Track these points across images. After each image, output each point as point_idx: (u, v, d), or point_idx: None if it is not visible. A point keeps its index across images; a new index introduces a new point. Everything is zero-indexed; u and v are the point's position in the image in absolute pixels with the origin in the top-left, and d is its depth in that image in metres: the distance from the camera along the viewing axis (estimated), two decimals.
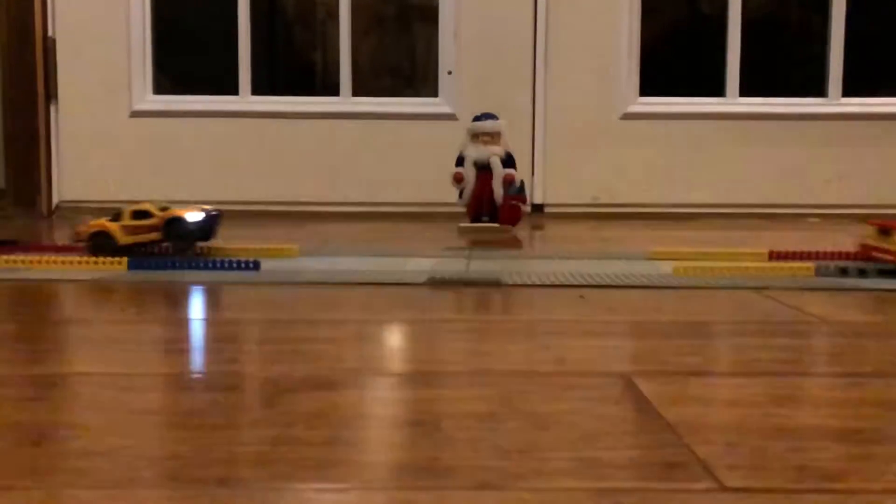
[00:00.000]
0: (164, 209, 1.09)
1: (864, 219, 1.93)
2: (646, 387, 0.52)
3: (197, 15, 2.23)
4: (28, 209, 1.98)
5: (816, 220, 1.93)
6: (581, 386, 0.53)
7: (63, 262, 1.04)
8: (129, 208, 1.10)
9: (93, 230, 1.08)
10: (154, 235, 1.08)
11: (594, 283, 0.94)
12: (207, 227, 1.09)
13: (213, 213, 1.10)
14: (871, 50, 2.14)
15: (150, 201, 1.11)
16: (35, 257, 1.05)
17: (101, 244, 1.07)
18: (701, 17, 2.33)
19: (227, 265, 1.01)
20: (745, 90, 2.07)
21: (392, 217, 1.88)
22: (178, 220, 1.07)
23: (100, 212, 1.97)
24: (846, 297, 0.88)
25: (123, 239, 1.07)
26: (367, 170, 2.02)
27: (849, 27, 2.04)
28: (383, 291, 0.91)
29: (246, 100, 2.07)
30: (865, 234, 1.07)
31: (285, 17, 2.41)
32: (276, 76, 2.36)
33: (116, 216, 1.09)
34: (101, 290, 0.92)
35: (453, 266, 1.05)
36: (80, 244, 1.10)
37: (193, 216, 1.07)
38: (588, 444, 0.42)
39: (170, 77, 2.10)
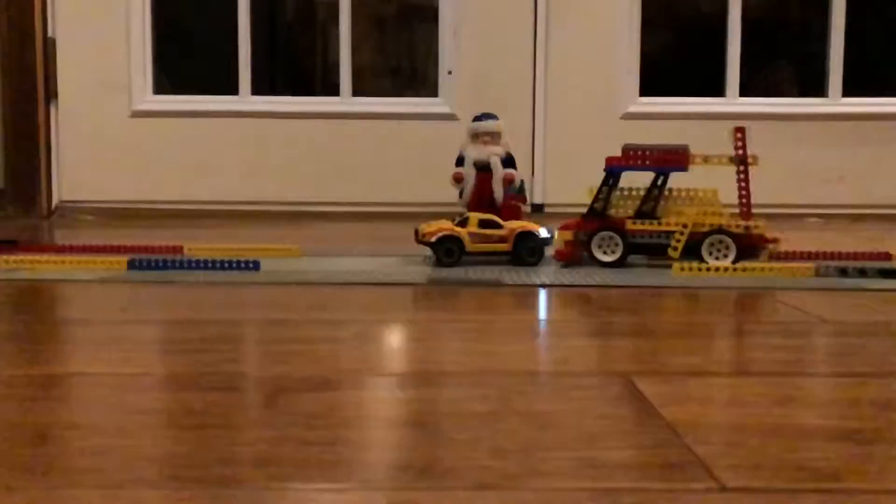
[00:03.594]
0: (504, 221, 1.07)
1: (863, 219, 1.94)
2: (646, 387, 0.52)
3: (197, 15, 2.22)
4: (28, 209, 1.98)
5: (816, 220, 1.93)
6: (581, 386, 0.53)
7: (63, 263, 1.04)
8: (475, 216, 1.08)
9: (442, 234, 1.06)
10: (503, 246, 1.06)
11: (594, 284, 0.94)
12: (551, 244, 1.07)
13: (551, 228, 1.08)
14: (872, 50, 2.14)
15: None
16: (36, 257, 1.05)
17: (449, 249, 1.05)
18: (701, 16, 2.33)
19: (227, 265, 1.01)
20: (745, 90, 2.06)
21: (392, 217, 1.88)
22: (531, 235, 1.05)
23: (99, 212, 1.98)
24: (846, 297, 0.88)
25: (472, 246, 1.06)
26: (367, 170, 2.02)
27: (849, 27, 2.04)
28: (383, 291, 0.91)
29: (246, 100, 2.06)
30: None
31: (285, 17, 2.41)
32: (276, 76, 2.35)
33: (463, 222, 1.07)
34: (101, 290, 0.92)
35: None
36: (424, 245, 1.07)
37: (543, 231, 1.06)
38: (588, 444, 0.42)
39: (170, 77, 2.10)
